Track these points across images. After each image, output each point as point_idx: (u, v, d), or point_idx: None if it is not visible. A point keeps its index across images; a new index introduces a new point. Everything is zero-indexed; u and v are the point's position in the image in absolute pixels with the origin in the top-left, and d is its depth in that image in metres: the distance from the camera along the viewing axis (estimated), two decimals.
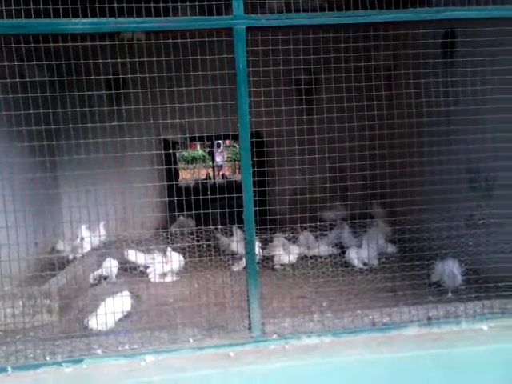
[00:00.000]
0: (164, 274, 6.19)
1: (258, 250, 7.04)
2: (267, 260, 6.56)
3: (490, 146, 4.30)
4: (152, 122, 3.67)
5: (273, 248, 6.61)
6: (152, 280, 6.07)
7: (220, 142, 18.27)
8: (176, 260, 6.16)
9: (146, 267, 6.44)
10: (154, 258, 6.18)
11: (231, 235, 7.25)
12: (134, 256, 6.31)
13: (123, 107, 3.86)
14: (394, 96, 4.29)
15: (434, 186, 4.35)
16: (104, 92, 3.71)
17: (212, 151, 20.28)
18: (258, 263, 6.25)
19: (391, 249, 6.30)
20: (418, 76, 4.06)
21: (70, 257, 6.72)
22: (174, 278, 6.23)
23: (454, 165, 4.51)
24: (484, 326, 3.64)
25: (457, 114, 4.45)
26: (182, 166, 16.49)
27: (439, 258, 4.56)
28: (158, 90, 3.52)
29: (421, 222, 4.07)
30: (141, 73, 3.74)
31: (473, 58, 4.04)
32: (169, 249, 6.12)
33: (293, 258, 6.38)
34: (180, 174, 15.90)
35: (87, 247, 6.58)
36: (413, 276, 4.29)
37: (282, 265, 6.52)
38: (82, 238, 6.42)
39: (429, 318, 3.70)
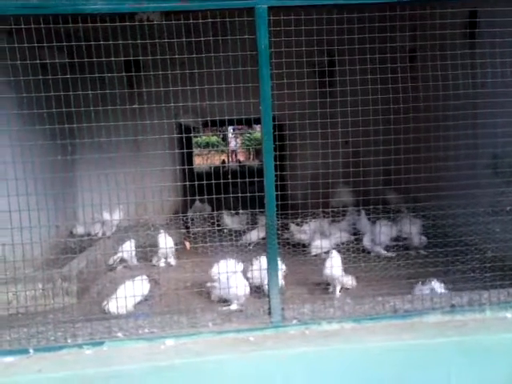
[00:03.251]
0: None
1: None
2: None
3: None
4: (172, 104, 3.61)
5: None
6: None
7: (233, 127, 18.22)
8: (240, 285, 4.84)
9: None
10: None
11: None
12: (164, 240, 6.31)
13: (143, 89, 3.81)
14: (417, 79, 4.17)
15: (457, 171, 4.23)
16: (124, 74, 3.66)
17: (225, 137, 20.26)
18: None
19: (417, 240, 6.21)
20: (443, 58, 3.94)
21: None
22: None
23: (479, 150, 4.39)
24: (508, 314, 3.56)
25: (482, 98, 4.32)
26: (198, 151, 16.43)
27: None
28: (178, 72, 3.45)
29: (445, 209, 3.98)
30: (160, 55, 3.68)
31: (495, 39, 3.89)
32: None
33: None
34: (194, 159, 15.87)
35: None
36: (436, 263, 4.22)
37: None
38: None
39: (452, 306, 3.63)
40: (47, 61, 3.30)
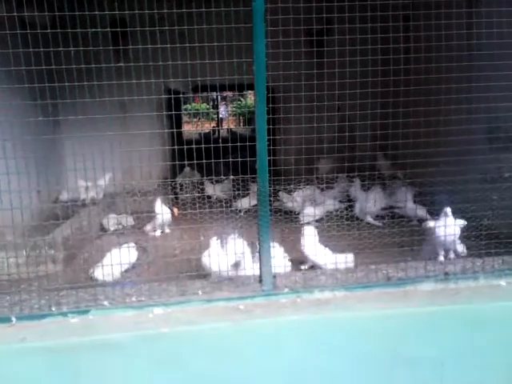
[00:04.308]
0: None
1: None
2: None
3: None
4: (160, 63, 3.42)
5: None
6: None
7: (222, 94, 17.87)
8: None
9: None
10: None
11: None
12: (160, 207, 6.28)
13: (129, 46, 3.58)
14: (419, 39, 4.00)
15: (456, 136, 4.11)
16: (108, 30, 3.44)
17: (216, 104, 19.96)
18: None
19: (421, 212, 6.04)
20: (438, 25, 3.77)
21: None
22: None
23: (477, 114, 4.25)
24: (502, 282, 3.54)
25: (479, 60, 4.18)
26: (187, 115, 16.11)
27: None
28: (166, 28, 3.25)
29: (442, 176, 3.88)
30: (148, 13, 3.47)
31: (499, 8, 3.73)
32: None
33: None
34: (184, 126, 15.61)
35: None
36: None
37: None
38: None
39: (446, 274, 3.59)
40: (25, 13, 3.06)
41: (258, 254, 3.46)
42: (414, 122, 3.90)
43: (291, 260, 4.72)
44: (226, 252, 4.08)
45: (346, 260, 4.16)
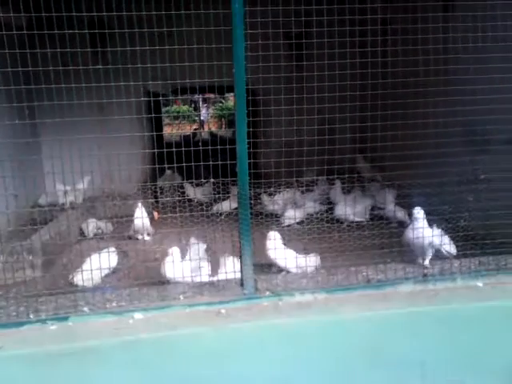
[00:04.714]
0: None
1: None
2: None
3: (488, 99, 4.10)
4: (139, 65, 3.39)
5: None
6: None
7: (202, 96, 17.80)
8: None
9: None
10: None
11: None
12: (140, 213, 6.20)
13: (108, 48, 3.53)
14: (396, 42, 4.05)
15: (434, 139, 4.17)
16: (86, 31, 3.40)
17: (197, 106, 19.87)
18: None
19: (400, 214, 6.07)
20: (415, 29, 3.83)
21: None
22: None
23: (453, 117, 4.32)
24: (479, 283, 3.59)
25: (455, 64, 4.24)
26: (167, 117, 16.01)
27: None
28: (145, 30, 3.23)
29: (420, 178, 3.93)
30: (127, 16, 3.43)
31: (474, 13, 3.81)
32: None
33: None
34: (165, 129, 15.50)
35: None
36: None
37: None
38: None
39: (424, 275, 3.64)
40: (0, 14, 3.01)
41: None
42: (391, 124, 3.93)
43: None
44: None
45: (310, 262, 4.15)
